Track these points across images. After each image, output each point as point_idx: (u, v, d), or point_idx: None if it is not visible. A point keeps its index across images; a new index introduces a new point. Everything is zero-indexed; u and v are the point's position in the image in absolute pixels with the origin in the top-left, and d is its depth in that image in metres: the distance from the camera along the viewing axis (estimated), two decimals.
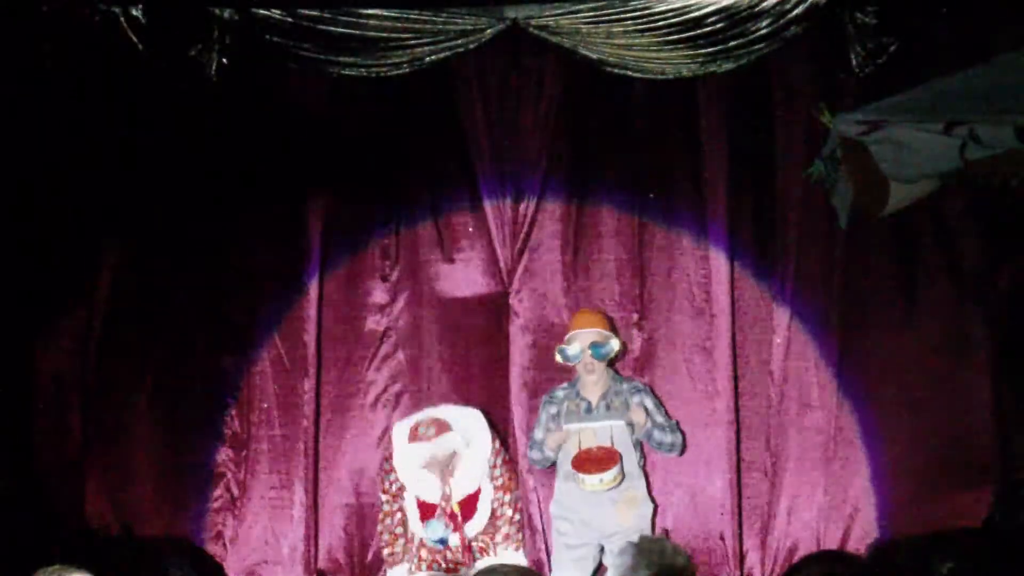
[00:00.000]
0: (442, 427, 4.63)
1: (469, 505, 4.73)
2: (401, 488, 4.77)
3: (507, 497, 4.82)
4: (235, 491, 5.66)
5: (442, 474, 4.66)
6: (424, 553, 4.81)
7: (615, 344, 4.86)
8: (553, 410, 4.89)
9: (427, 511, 4.72)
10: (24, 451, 5.43)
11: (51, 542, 5.03)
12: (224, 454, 5.67)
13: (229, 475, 5.66)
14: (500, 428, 5.39)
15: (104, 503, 5.57)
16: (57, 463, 5.54)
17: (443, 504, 4.69)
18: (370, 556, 5.61)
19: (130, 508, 5.57)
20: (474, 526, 4.75)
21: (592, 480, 4.55)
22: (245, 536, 5.64)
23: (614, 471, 4.55)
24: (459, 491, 4.72)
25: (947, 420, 5.38)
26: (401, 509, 4.80)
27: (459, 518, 4.71)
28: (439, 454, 4.60)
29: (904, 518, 5.34)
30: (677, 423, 4.94)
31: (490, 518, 4.79)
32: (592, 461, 4.59)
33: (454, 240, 5.68)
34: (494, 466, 4.80)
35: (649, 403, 4.83)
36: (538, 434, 4.91)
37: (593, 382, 4.82)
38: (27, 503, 5.29)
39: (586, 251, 5.64)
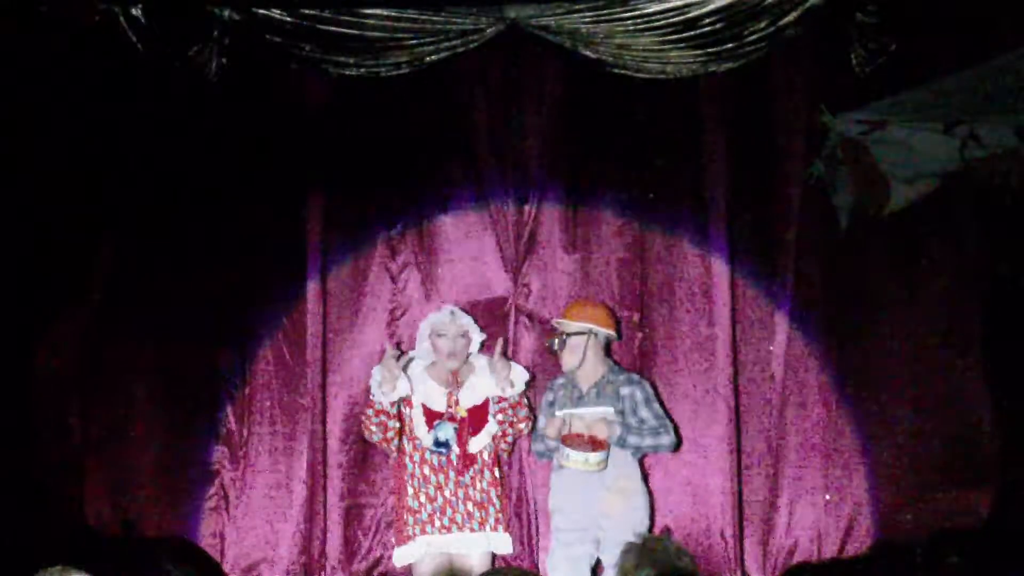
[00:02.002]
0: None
1: (476, 416, 4.84)
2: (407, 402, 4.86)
3: (519, 406, 4.96)
4: (235, 490, 5.65)
5: (451, 381, 4.82)
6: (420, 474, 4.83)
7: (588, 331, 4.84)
8: (550, 397, 4.96)
9: (434, 418, 4.83)
10: (24, 451, 5.42)
11: (51, 542, 5.03)
12: (224, 453, 5.66)
13: (229, 474, 5.65)
14: None
15: (104, 503, 5.56)
16: (57, 463, 5.53)
17: (451, 409, 4.81)
18: (370, 556, 5.62)
19: (130, 508, 5.56)
20: (479, 441, 4.84)
21: (577, 456, 4.59)
22: (244, 535, 5.63)
23: (600, 455, 4.59)
24: (467, 400, 4.85)
25: (947, 420, 5.38)
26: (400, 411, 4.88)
27: (466, 422, 4.81)
28: (456, 334, 4.85)
29: (904, 518, 5.35)
30: (672, 423, 4.90)
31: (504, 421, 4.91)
32: (580, 441, 4.65)
33: (458, 240, 5.67)
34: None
35: (639, 396, 4.81)
36: (540, 421, 4.98)
37: (581, 370, 4.85)
38: (27, 503, 5.28)
39: (587, 251, 5.63)
